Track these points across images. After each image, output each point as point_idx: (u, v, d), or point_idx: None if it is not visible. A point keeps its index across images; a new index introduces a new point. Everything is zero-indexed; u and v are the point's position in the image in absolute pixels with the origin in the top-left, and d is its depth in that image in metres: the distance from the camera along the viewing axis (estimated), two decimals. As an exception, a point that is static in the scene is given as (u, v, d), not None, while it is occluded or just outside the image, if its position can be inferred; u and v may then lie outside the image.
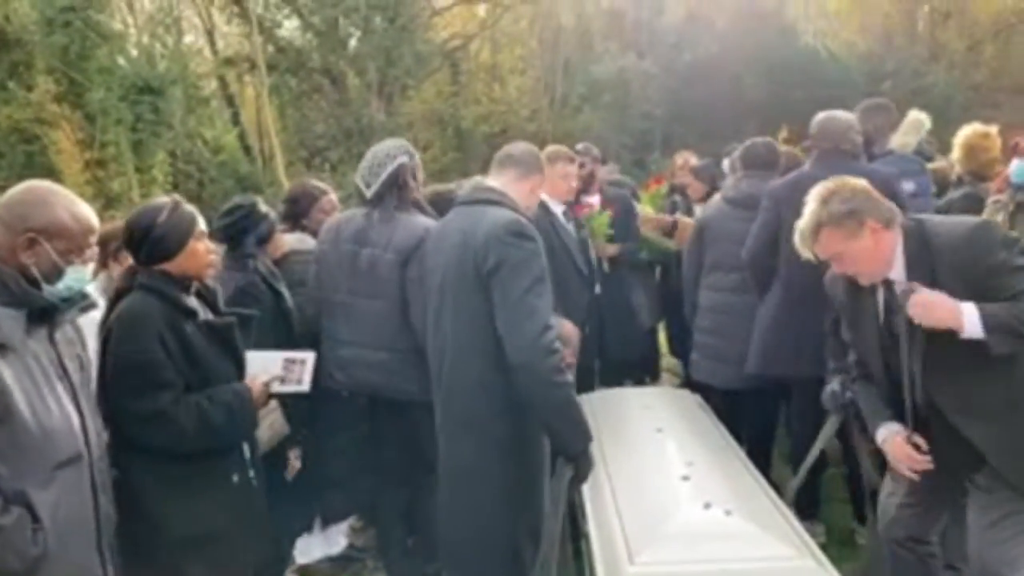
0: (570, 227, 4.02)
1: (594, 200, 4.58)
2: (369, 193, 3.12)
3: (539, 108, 19.55)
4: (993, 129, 3.85)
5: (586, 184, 4.64)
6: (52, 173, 10.43)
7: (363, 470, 3.42)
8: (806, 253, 2.41)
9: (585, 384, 3.85)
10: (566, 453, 2.52)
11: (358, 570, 3.65)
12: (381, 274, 3.04)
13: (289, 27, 18.29)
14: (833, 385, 3.08)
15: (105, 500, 2.02)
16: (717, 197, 4.18)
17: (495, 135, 19.44)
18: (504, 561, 2.57)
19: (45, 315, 1.89)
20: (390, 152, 3.15)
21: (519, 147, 2.81)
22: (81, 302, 1.99)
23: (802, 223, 2.38)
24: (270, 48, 17.47)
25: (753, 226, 3.71)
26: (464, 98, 19.42)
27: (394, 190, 3.11)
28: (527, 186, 2.73)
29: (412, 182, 3.16)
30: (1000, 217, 3.33)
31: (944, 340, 2.19)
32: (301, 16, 17.51)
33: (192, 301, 2.37)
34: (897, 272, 2.31)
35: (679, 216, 4.92)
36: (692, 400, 3.74)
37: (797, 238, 2.41)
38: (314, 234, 3.58)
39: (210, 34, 18.89)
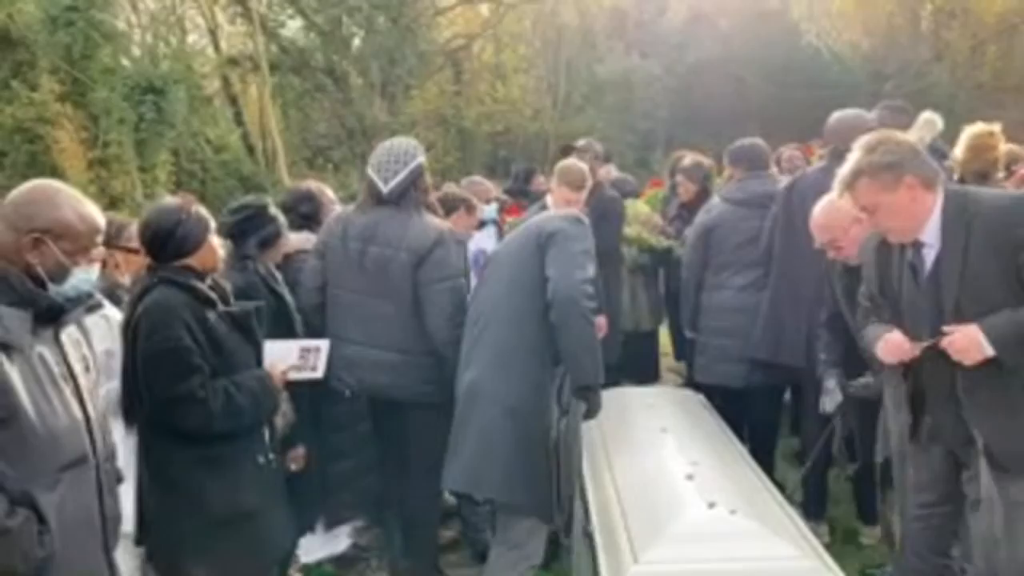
0: None
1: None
2: (386, 189, 3.07)
3: (542, 108, 19.55)
4: (997, 128, 3.84)
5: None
6: (55, 172, 10.44)
7: (368, 470, 3.42)
8: (842, 201, 2.41)
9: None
10: (583, 382, 2.80)
11: (362, 570, 3.65)
12: (392, 273, 3.02)
13: (292, 27, 18.31)
14: (828, 383, 3.10)
15: (111, 502, 2.02)
16: (717, 199, 4.17)
17: (498, 135, 19.47)
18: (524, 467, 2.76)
19: (51, 315, 1.89)
20: (409, 150, 3.12)
21: (575, 165, 3.81)
22: (87, 302, 1.99)
23: (843, 169, 2.35)
24: (273, 48, 17.49)
25: (767, 223, 3.74)
26: (467, 98, 19.43)
27: (413, 190, 3.09)
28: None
29: (427, 184, 3.16)
30: None
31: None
32: (304, 16, 17.52)
33: (212, 292, 2.50)
34: (930, 235, 2.28)
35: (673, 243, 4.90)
36: (696, 400, 3.74)
37: (835, 185, 2.39)
38: None
39: (213, 34, 18.89)
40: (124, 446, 2.47)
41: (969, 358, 2.18)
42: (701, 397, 3.81)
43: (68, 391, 1.89)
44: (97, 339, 2.38)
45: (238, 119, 18.65)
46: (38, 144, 12.06)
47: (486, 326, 2.86)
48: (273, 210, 3.13)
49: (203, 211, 2.54)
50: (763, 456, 3.71)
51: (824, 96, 15.32)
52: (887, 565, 3.30)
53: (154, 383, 2.36)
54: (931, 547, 2.59)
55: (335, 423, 3.33)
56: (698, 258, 4.10)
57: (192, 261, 2.47)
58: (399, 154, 3.09)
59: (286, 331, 3.04)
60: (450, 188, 4.45)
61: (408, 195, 3.07)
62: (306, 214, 3.53)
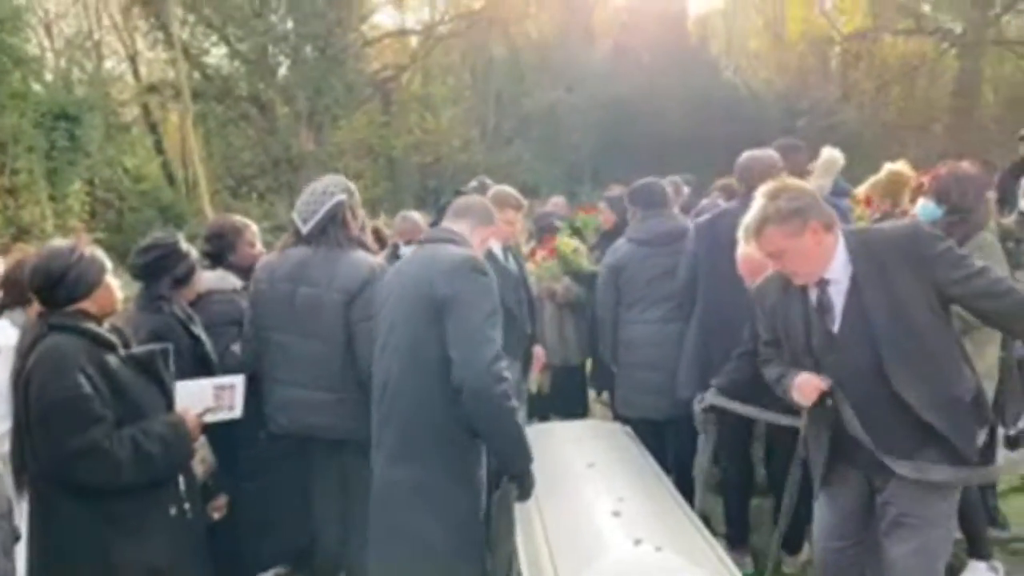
0: (510, 265, 4.06)
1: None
2: (305, 229, 3.04)
3: (471, 139, 19.72)
4: (902, 164, 4.14)
5: None
6: (-42, 202, 9.91)
7: (290, 515, 3.31)
8: (747, 248, 2.49)
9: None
10: (512, 471, 2.63)
11: (284, 618, 3.51)
12: (323, 314, 2.96)
13: (216, 54, 18.00)
14: (698, 398, 3.20)
15: (7, 563, 1.90)
16: (623, 240, 4.25)
17: (427, 165, 19.51)
18: None
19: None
20: (327, 188, 3.09)
21: (474, 199, 2.96)
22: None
23: (748, 218, 2.44)
24: (196, 75, 17.13)
25: (682, 260, 3.82)
26: (396, 128, 19.44)
27: (332, 227, 3.04)
28: (478, 237, 2.85)
29: (352, 219, 3.11)
30: None
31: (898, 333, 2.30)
32: (228, 43, 17.25)
33: (111, 334, 2.36)
34: (836, 272, 2.39)
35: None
36: (622, 433, 3.76)
37: (741, 233, 2.47)
38: (240, 270, 3.48)
39: (132, 60, 18.41)
40: (20, 501, 2.34)
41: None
42: (628, 430, 3.84)
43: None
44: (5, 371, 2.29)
45: (158, 147, 18.15)
46: (-60, 172, 11.46)
47: (393, 400, 2.62)
48: (184, 246, 3.03)
49: (97, 251, 2.40)
50: (687, 488, 3.76)
51: (741, 130, 15.91)
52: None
53: (52, 437, 2.20)
54: None
55: (253, 467, 3.21)
56: (610, 297, 4.17)
57: (87, 304, 2.33)
58: (318, 195, 3.06)
59: (204, 373, 2.94)
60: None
61: (328, 232, 3.03)
62: (217, 252, 3.43)
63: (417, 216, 5.01)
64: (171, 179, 17.90)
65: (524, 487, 2.66)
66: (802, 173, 4.26)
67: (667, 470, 3.55)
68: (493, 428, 2.52)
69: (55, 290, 2.30)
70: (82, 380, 2.20)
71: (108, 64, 18.00)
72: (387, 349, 2.66)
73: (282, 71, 17.59)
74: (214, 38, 17.50)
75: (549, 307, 4.95)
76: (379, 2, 20.50)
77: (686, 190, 6.12)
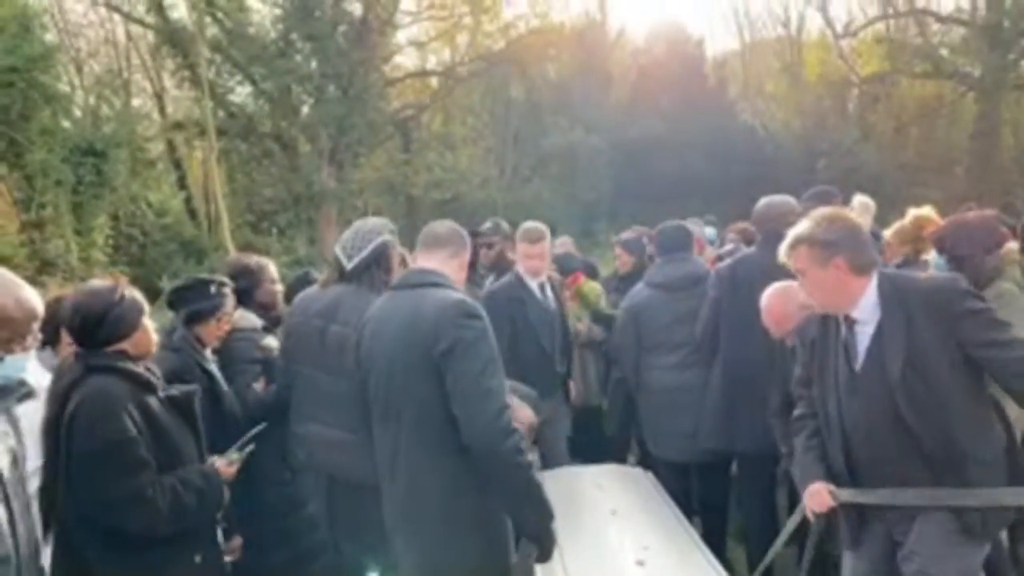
0: (548, 302, 4.11)
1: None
2: (350, 265, 3.02)
3: (489, 177, 19.90)
4: (928, 210, 4.06)
5: (495, 264, 4.60)
6: (-15, 234, 10.11)
7: (312, 556, 3.28)
8: (783, 258, 2.49)
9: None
10: (528, 533, 2.47)
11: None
12: (350, 353, 2.99)
13: (241, 92, 18.37)
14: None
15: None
16: (641, 284, 4.24)
17: (445, 203, 19.68)
18: None
19: (-24, 406, 1.78)
20: (374, 227, 3.09)
21: (443, 226, 2.78)
22: (18, 391, 1.89)
23: (792, 231, 2.47)
24: (221, 113, 17.47)
25: (703, 306, 3.79)
26: (415, 166, 19.67)
27: (376, 267, 3.02)
28: (456, 263, 2.72)
29: (394, 264, 3.13)
30: None
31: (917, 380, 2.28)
32: (253, 82, 17.61)
33: (151, 376, 2.35)
34: (864, 312, 2.39)
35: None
36: (646, 480, 3.71)
37: (783, 245, 2.47)
38: (263, 307, 3.50)
39: (159, 97, 18.84)
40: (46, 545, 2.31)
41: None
42: (651, 476, 3.79)
43: (-10, 488, 1.77)
44: (27, 431, 2.26)
45: (182, 183, 18.46)
46: (-31, 205, 11.71)
47: (397, 457, 2.49)
48: (213, 288, 3.04)
49: (136, 293, 2.38)
50: (714, 536, 3.70)
51: (760, 172, 16.02)
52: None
53: (98, 481, 2.14)
54: None
55: (273, 510, 3.19)
56: (630, 340, 4.14)
57: (125, 346, 2.30)
58: (364, 232, 3.06)
59: (216, 411, 2.94)
60: None
61: (371, 272, 3.03)
62: (244, 289, 3.44)
63: None
64: (193, 214, 18.17)
65: (544, 548, 2.47)
66: None
67: (691, 513, 3.50)
68: (507, 489, 2.37)
69: (95, 331, 2.26)
70: (129, 424, 2.17)
71: (136, 101, 18.45)
72: (390, 409, 2.52)
73: (305, 109, 17.92)
74: (239, 77, 17.89)
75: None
76: (401, 43, 20.92)
77: (708, 231, 6.06)
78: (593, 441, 4.96)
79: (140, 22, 17.34)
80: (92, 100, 16.41)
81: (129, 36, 18.18)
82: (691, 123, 19.85)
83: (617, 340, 4.29)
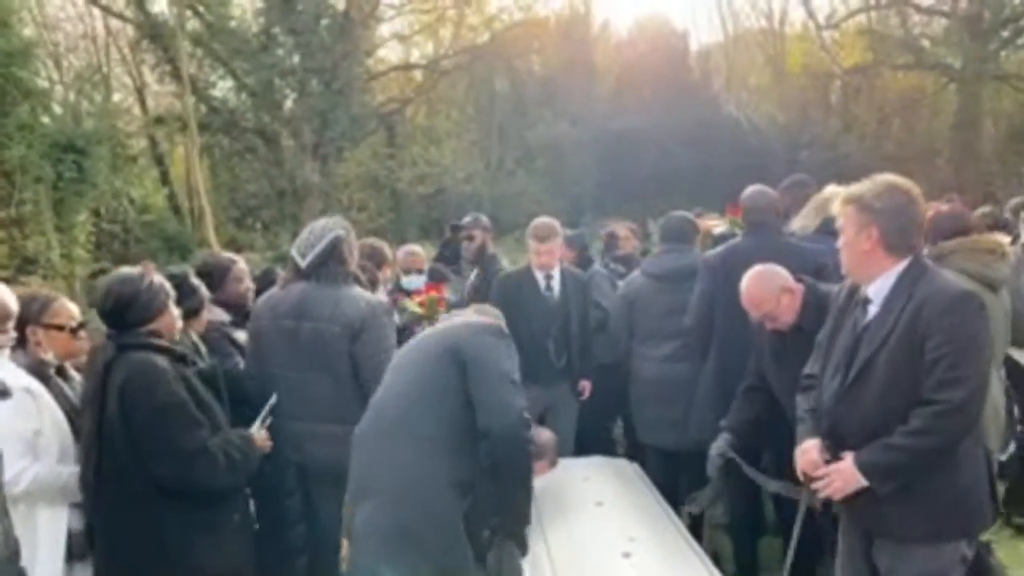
0: (552, 295, 4.19)
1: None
2: (304, 263, 3.08)
3: (474, 171, 19.84)
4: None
5: (478, 256, 4.62)
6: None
7: (297, 551, 3.26)
8: (835, 206, 2.46)
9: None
10: (514, 527, 2.56)
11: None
12: (326, 347, 2.98)
13: (223, 87, 18.20)
14: (714, 446, 3.16)
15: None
16: (637, 272, 4.26)
17: (430, 197, 19.63)
18: None
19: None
20: (328, 225, 3.17)
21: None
22: (-9, 389, 1.87)
23: (847, 189, 2.43)
24: (202, 107, 17.30)
25: (692, 295, 3.78)
26: (400, 160, 19.59)
27: (331, 261, 3.08)
28: None
29: (349, 256, 3.14)
30: None
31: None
32: (235, 77, 17.44)
33: (183, 351, 2.55)
34: (877, 294, 2.34)
35: None
36: (631, 471, 3.72)
37: (840, 197, 2.43)
38: (227, 305, 3.48)
39: (140, 92, 18.64)
40: (53, 530, 2.39)
41: (840, 493, 2.30)
42: (637, 467, 3.80)
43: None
44: (24, 418, 2.31)
45: (164, 179, 18.29)
46: (-53, 202, 11.54)
47: (386, 439, 2.52)
48: (195, 282, 3.06)
49: (164, 279, 2.58)
50: (701, 527, 3.71)
51: (744, 164, 16.06)
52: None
53: (167, 439, 2.34)
54: None
55: (258, 501, 3.18)
56: (623, 327, 4.16)
57: (154, 327, 2.48)
58: (318, 231, 3.14)
59: (215, 393, 2.95)
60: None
61: (327, 266, 3.08)
62: (208, 286, 3.44)
63: (418, 249, 5.04)
64: (176, 210, 18.02)
65: (523, 544, 2.63)
66: (798, 210, 4.22)
67: (679, 502, 3.50)
68: (516, 477, 2.49)
69: (125, 313, 2.43)
70: (179, 388, 2.37)
71: (116, 97, 18.22)
72: (390, 394, 2.65)
73: (288, 104, 17.77)
74: (221, 71, 17.71)
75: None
76: (385, 36, 20.82)
77: None
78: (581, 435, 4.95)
79: (120, 16, 17.11)
80: (72, 95, 16.21)
81: (109, 30, 17.96)
82: (675, 115, 19.87)
83: (612, 326, 4.31)
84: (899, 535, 2.33)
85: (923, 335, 2.21)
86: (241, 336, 3.35)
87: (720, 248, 3.86)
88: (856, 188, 2.38)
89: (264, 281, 3.90)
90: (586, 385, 4.34)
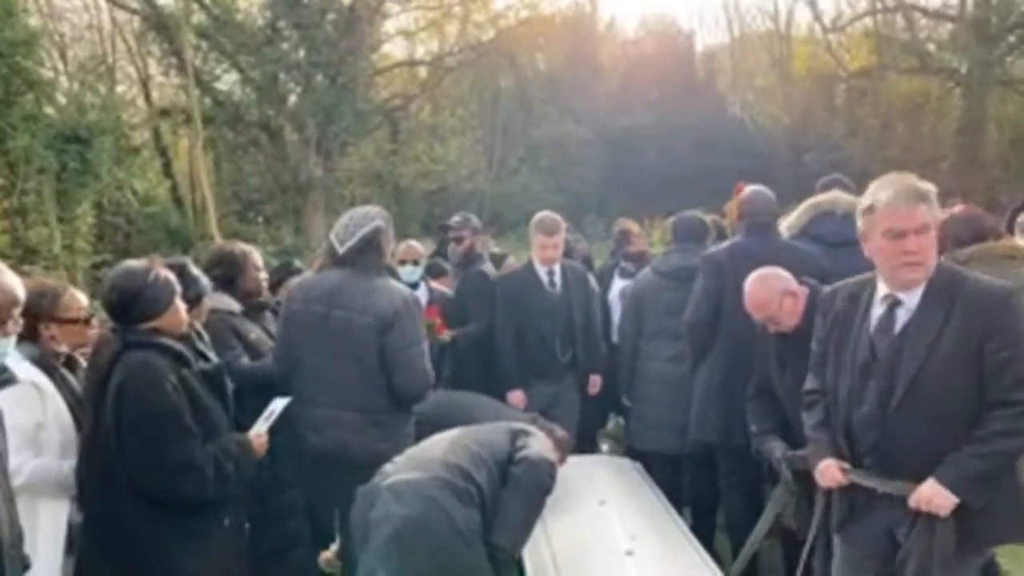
0: (555, 290, 4.19)
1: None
2: (342, 250, 3.07)
3: (477, 169, 19.84)
4: None
5: (465, 258, 4.55)
6: (-34, 221, 9.96)
7: (296, 542, 3.26)
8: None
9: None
10: (509, 548, 2.57)
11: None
12: (356, 336, 2.99)
13: (228, 80, 18.18)
14: (775, 456, 3.08)
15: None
16: (647, 269, 4.25)
17: (433, 193, 19.63)
18: None
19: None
20: (368, 214, 3.16)
21: None
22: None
23: (923, 185, 2.29)
24: (207, 100, 17.29)
25: (693, 293, 3.75)
26: (403, 156, 19.57)
27: (369, 251, 3.08)
28: None
29: (386, 247, 3.16)
30: None
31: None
32: (240, 70, 17.44)
33: (186, 350, 2.48)
34: (911, 297, 2.27)
35: None
36: (633, 470, 3.72)
37: (908, 194, 2.26)
38: (247, 294, 3.47)
39: (145, 84, 18.62)
40: (54, 522, 2.38)
41: (944, 510, 2.21)
42: (639, 466, 3.79)
43: (-26, 473, 1.75)
44: (27, 411, 2.30)
45: (167, 171, 18.27)
46: (-50, 191, 11.54)
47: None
48: (194, 271, 3.04)
49: (170, 274, 2.50)
50: (704, 526, 3.70)
51: (748, 165, 16.02)
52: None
53: (153, 448, 2.27)
54: None
55: (262, 490, 3.17)
56: (631, 325, 4.15)
57: (159, 323, 2.42)
58: (358, 219, 3.13)
59: (218, 392, 2.93)
60: None
61: (364, 256, 3.07)
62: (222, 277, 3.42)
63: (417, 244, 5.01)
64: (179, 203, 18.00)
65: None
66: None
67: (680, 503, 3.50)
68: (530, 504, 2.64)
69: (130, 308, 2.38)
70: (175, 395, 2.31)
71: (120, 88, 18.18)
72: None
73: (292, 98, 17.76)
74: (226, 65, 17.70)
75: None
76: (390, 32, 20.78)
77: None
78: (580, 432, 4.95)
79: (125, 7, 17.09)
80: (76, 86, 16.17)
81: (114, 21, 17.91)
82: (680, 115, 19.88)
83: (621, 325, 4.30)
84: (987, 540, 2.30)
85: (981, 337, 2.18)
86: (249, 328, 3.33)
87: (723, 245, 3.82)
88: (921, 184, 2.27)
89: (283, 272, 3.91)
90: (596, 379, 4.35)
